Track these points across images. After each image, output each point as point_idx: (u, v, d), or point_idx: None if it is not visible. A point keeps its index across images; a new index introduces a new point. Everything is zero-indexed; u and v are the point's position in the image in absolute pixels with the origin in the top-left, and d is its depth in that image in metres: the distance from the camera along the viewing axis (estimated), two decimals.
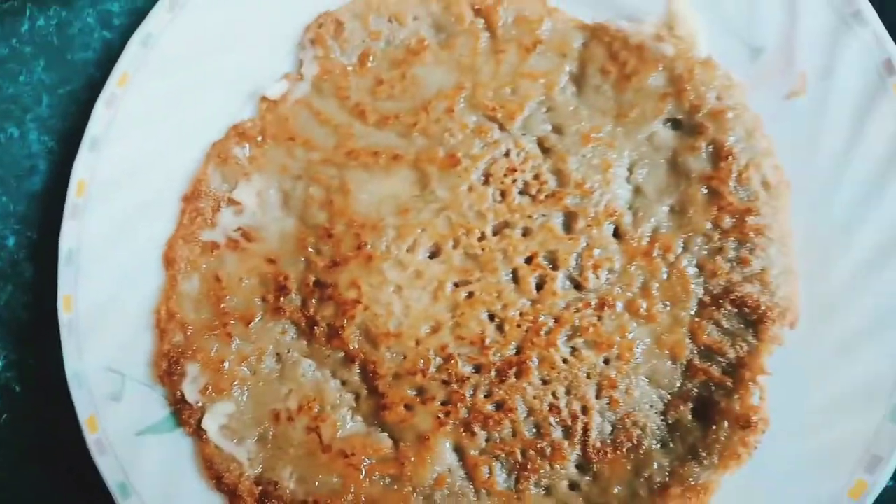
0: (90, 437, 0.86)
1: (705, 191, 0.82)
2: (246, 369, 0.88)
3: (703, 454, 0.77)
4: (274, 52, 0.93)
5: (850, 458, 0.75)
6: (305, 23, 0.93)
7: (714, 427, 0.78)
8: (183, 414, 0.87)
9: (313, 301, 0.87)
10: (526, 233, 0.85)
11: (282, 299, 0.88)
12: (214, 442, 0.86)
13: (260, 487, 0.84)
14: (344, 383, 0.87)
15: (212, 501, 0.85)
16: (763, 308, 0.79)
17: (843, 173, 0.80)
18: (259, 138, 0.91)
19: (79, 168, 0.91)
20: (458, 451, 0.83)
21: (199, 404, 0.87)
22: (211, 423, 0.86)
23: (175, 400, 0.88)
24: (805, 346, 0.79)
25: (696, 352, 0.80)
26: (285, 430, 0.86)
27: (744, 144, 0.82)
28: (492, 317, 0.84)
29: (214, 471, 0.85)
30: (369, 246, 0.87)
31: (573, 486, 0.81)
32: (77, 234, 0.90)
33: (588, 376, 0.82)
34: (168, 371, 0.88)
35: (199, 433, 0.86)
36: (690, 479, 0.77)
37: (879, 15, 0.82)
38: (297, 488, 0.84)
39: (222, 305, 0.89)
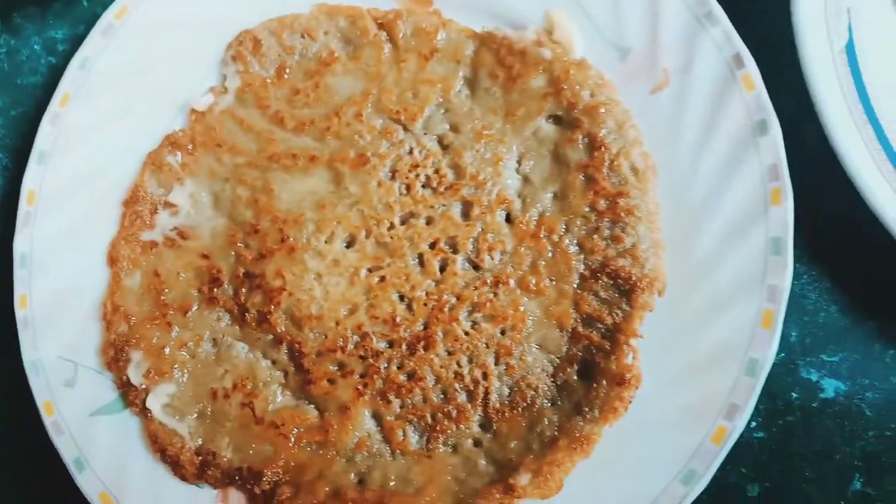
0: (47, 420, 0.89)
1: (583, 178, 0.86)
2: (185, 354, 0.91)
3: (587, 410, 0.81)
4: (200, 69, 0.96)
5: (712, 407, 0.79)
6: (227, 41, 0.96)
7: (595, 385, 0.82)
8: (129, 395, 0.90)
9: (243, 290, 0.91)
10: (429, 221, 0.89)
11: (215, 290, 0.91)
12: (158, 419, 0.89)
13: (200, 457, 0.87)
14: (274, 362, 0.90)
15: (158, 472, 0.88)
16: (634, 279, 0.82)
17: (702, 157, 0.84)
18: (189, 146, 0.94)
19: (28, 180, 0.93)
20: (376, 417, 0.87)
21: (144, 386, 0.89)
22: (154, 403, 0.89)
23: (122, 383, 0.91)
24: (672, 311, 0.83)
25: (579, 320, 0.84)
26: (222, 407, 0.89)
27: (615, 135, 0.86)
28: (402, 297, 0.88)
29: (159, 444, 0.88)
30: (291, 239, 0.90)
31: (476, 443, 0.84)
32: (29, 239, 0.93)
33: (487, 346, 0.85)
34: (114, 358, 0.91)
35: (144, 412, 0.89)
36: (576, 432, 0.81)
37: (728, 15, 0.86)
38: (233, 457, 0.87)
39: (162, 298, 0.92)
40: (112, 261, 0.94)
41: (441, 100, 0.92)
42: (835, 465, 0.87)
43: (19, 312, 0.92)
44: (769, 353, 0.78)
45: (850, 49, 0.87)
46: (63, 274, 0.93)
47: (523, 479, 0.81)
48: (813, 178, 0.89)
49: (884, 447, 0.86)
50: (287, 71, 0.95)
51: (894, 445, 0.86)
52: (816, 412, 0.88)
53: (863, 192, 0.83)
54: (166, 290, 0.92)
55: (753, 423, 0.88)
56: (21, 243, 0.93)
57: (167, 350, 0.91)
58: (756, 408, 0.87)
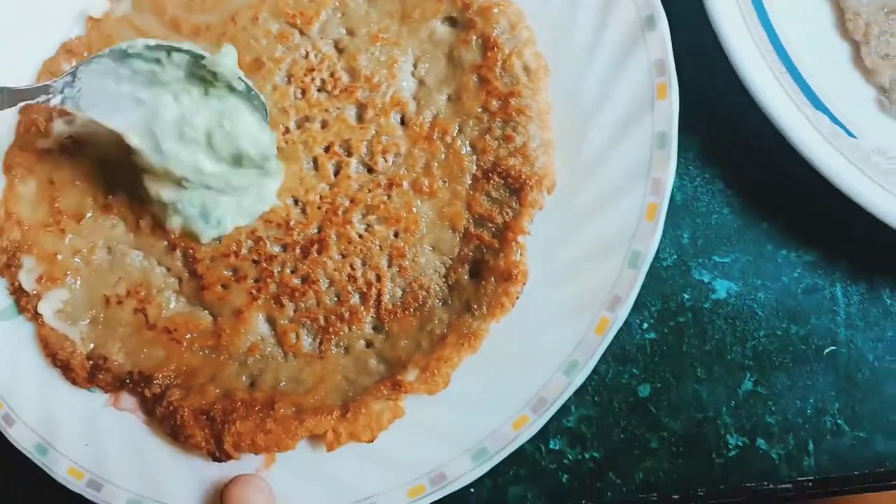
0: None
1: (476, 79, 0.85)
2: (79, 260, 0.89)
3: (475, 307, 0.81)
4: None
5: (596, 300, 0.79)
6: None
7: (483, 283, 0.82)
8: (21, 301, 0.89)
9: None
10: (324, 125, 0.88)
11: (110, 197, 0.90)
12: (50, 325, 0.87)
13: (91, 362, 0.86)
14: (168, 269, 0.89)
15: (49, 376, 0.87)
16: (524, 177, 0.82)
17: (593, 55, 0.84)
18: (86, 54, 0.92)
19: None
20: (270, 321, 0.86)
21: (36, 292, 0.88)
22: (46, 308, 0.87)
23: (14, 289, 0.89)
24: (560, 208, 0.83)
25: (471, 220, 0.84)
26: (115, 313, 0.88)
27: (507, 35, 0.85)
28: (296, 201, 0.87)
29: (50, 349, 0.86)
30: None
31: (368, 343, 0.84)
32: None
33: (380, 248, 0.85)
34: (6, 264, 0.89)
35: (36, 317, 0.88)
36: (464, 329, 0.81)
37: None
38: (124, 361, 0.86)
39: (56, 205, 0.90)
40: (7, 168, 0.91)
41: (337, 3, 0.90)
42: (726, 364, 0.87)
43: None
44: (651, 245, 0.78)
45: None
46: None
47: (411, 375, 0.80)
48: (708, 83, 0.90)
49: (774, 346, 0.87)
50: None
51: (785, 345, 0.87)
52: (708, 313, 0.88)
53: (752, 92, 0.83)
54: (60, 198, 0.91)
55: (645, 325, 0.88)
56: None
57: (60, 257, 0.89)
58: (648, 309, 0.88)
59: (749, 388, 0.86)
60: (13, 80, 0.92)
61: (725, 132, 0.91)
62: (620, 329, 0.79)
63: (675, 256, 0.89)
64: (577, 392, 0.80)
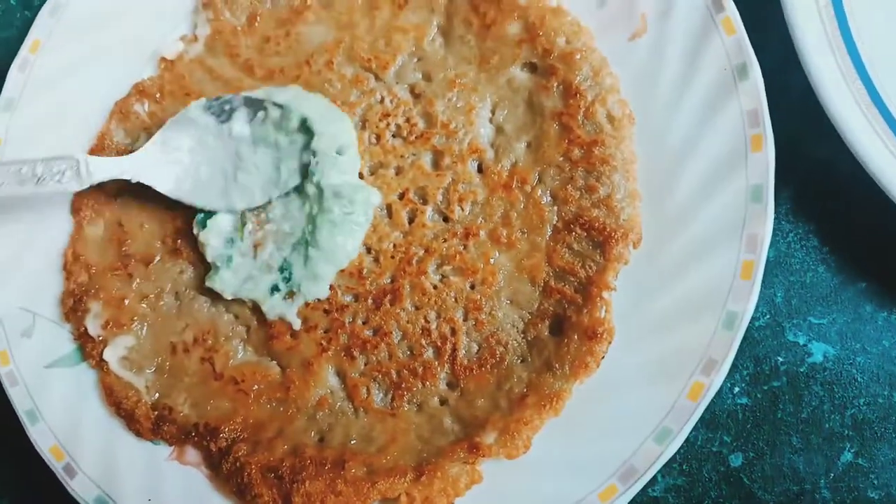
0: (2, 370, 0.86)
1: (557, 126, 0.81)
2: (145, 306, 0.87)
3: (557, 366, 0.76)
4: (171, 17, 0.94)
5: (688, 363, 0.74)
6: None
7: (566, 340, 0.77)
8: (87, 347, 0.86)
9: None
10: (398, 171, 0.85)
11: (179, 241, 0.88)
12: (115, 372, 0.85)
13: (156, 412, 0.83)
14: (236, 317, 0.86)
15: (112, 426, 0.84)
16: (608, 230, 0.78)
17: (680, 104, 0.80)
18: (158, 95, 0.91)
19: None
20: (340, 374, 0.83)
21: (101, 338, 0.86)
22: (111, 355, 0.85)
23: (80, 334, 0.87)
24: (647, 263, 0.78)
25: (551, 274, 0.80)
26: (181, 361, 0.85)
27: (590, 82, 0.81)
28: (368, 249, 0.84)
29: (114, 398, 0.84)
30: None
31: (443, 401, 0.80)
32: None
33: (456, 301, 0.81)
34: (73, 308, 0.87)
35: (101, 364, 0.85)
36: (545, 389, 0.76)
37: None
38: (190, 412, 0.83)
39: (124, 248, 0.88)
40: (75, 210, 0.90)
41: (414, 48, 0.88)
42: (824, 434, 0.81)
43: None
44: (749, 306, 0.73)
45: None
46: (27, 221, 0.90)
47: (489, 437, 0.76)
48: (798, 131, 0.85)
49: (876, 415, 0.81)
50: (258, 19, 0.92)
51: (887, 413, 0.81)
52: (804, 377, 0.83)
53: (849, 142, 0.78)
54: (129, 241, 0.89)
55: (737, 389, 0.83)
56: None
57: (127, 301, 0.87)
58: (740, 373, 0.83)
59: (849, 460, 0.80)
60: (85, 118, 0.92)
61: (819, 184, 0.86)
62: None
63: (767, 316, 0.84)
64: (667, 460, 0.75)
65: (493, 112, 0.85)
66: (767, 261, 0.82)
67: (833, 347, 0.83)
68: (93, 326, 0.86)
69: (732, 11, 0.79)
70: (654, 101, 0.81)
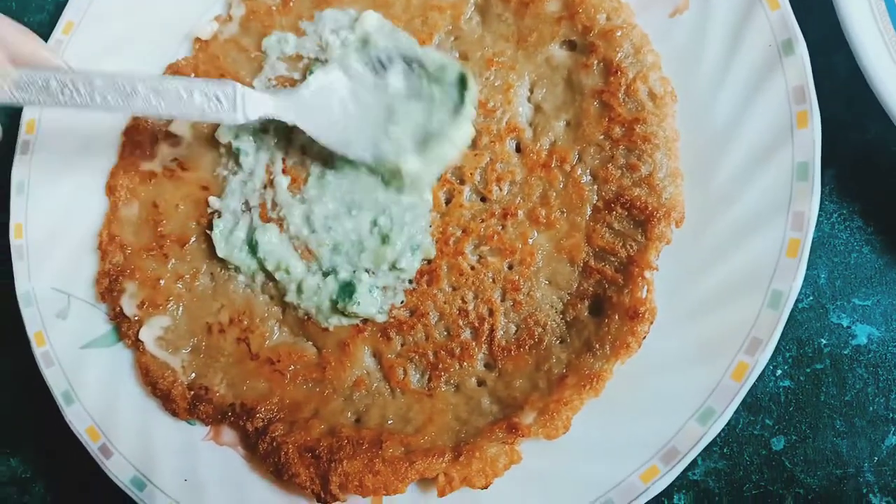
0: (38, 351, 0.85)
1: (597, 105, 0.80)
2: (181, 286, 0.86)
3: (597, 346, 0.75)
4: None
5: (732, 342, 0.72)
6: None
7: (606, 321, 0.76)
8: (122, 327, 0.86)
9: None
10: None
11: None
12: (151, 352, 0.84)
13: (192, 392, 0.83)
14: (271, 298, 0.85)
15: (148, 407, 0.84)
16: (650, 209, 0.76)
17: (724, 81, 0.78)
18: (192, 76, 0.90)
19: (28, 109, 0.91)
20: (376, 355, 0.82)
21: (137, 318, 0.85)
22: (147, 335, 0.85)
23: (115, 315, 0.87)
24: (690, 242, 0.77)
25: (591, 254, 0.78)
26: (217, 341, 0.85)
27: (631, 60, 0.80)
28: None
29: (150, 378, 0.84)
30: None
31: (480, 382, 0.79)
32: (27, 167, 0.89)
33: (493, 281, 0.80)
34: (108, 288, 0.87)
35: (137, 344, 0.85)
36: (585, 370, 0.75)
37: None
38: (226, 392, 0.83)
39: (159, 229, 0.88)
40: (110, 190, 0.90)
41: (451, 27, 0.87)
42: (868, 417, 0.79)
43: (14, 242, 0.89)
44: (795, 285, 0.72)
45: None
46: (60, 203, 0.90)
47: (528, 417, 0.75)
48: (844, 111, 0.83)
49: None
50: None
51: None
52: (848, 360, 0.81)
53: (894, 118, 0.77)
54: (164, 222, 0.88)
55: (779, 372, 0.81)
56: (19, 171, 0.90)
57: (163, 282, 0.87)
58: (782, 355, 0.82)
59: (893, 444, 0.78)
60: None
61: (864, 164, 0.84)
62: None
63: (811, 298, 0.82)
64: (707, 443, 0.73)
65: (531, 91, 0.84)
66: (811, 242, 0.81)
67: (878, 329, 0.81)
68: (128, 307, 0.86)
69: None
70: (696, 78, 0.80)
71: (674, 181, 0.78)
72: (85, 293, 0.88)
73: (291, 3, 0.91)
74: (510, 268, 0.81)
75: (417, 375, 0.81)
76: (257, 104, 0.80)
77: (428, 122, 0.82)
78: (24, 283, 0.88)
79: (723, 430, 0.77)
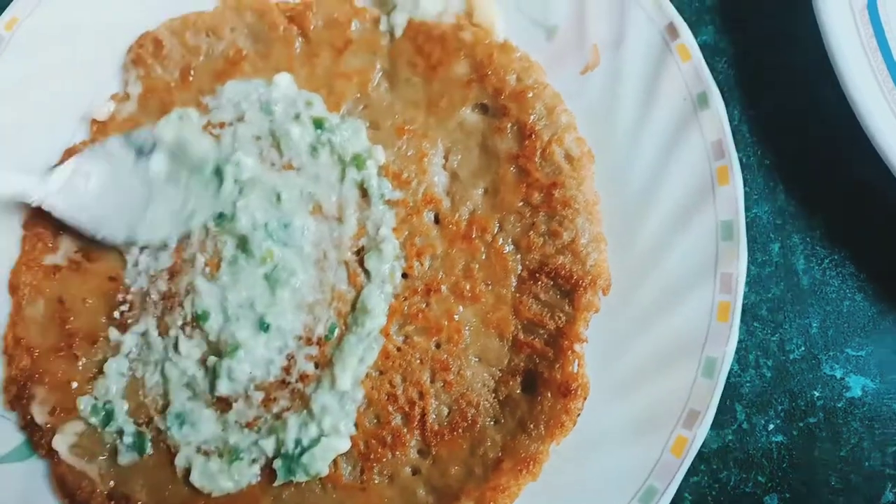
0: None
1: (514, 170, 0.77)
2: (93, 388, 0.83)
3: (531, 426, 0.72)
4: (100, 76, 0.87)
5: (669, 416, 0.70)
6: (128, 44, 0.88)
7: (539, 398, 0.73)
8: (34, 437, 0.80)
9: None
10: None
11: (125, 314, 0.84)
12: (66, 461, 0.79)
13: (112, 502, 0.78)
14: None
15: None
16: (575, 277, 0.73)
17: (640, 138, 0.76)
18: None
19: None
20: None
21: (49, 426, 0.80)
22: (61, 444, 0.79)
23: (26, 423, 0.80)
24: (618, 310, 0.74)
25: (519, 327, 0.75)
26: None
27: (545, 121, 0.77)
28: None
29: (67, 489, 0.78)
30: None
31: (415, 471, 0.75)
32: None
33: (421, 362, 0.76)
34: (17, 395, 0.81)
35: (51, 454, 0.79)
36: (521, 452, 0.72)
37: None
38: (148, 500, 0.78)
39: (67, 327, 0.82)
40: (12, 289, 0.84)
41: (359, 95, 0.83)
42: (864, 473, 0.77)
43: None
44: (728, 350, 0.69)
45: (871, 6, 0.77)
46: None
47: None
48: (832, 152, 0.80)
49: None
50: (192, 73, 0.86)
51: None
52: (842, 413, 0.78)
53: (887, 158, 0.73)
54: (72, 318, 0.83)
55: (771, 426, 0.78)
56: None
57: (75, 385, 0.82)
58: (774, 408, 0.79)
59: (891, 500, 0.76)
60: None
61: (855, 207, 0.81)
62: (744, 431, 0.72)
63: (802, 349, 0.79)
64: (696, 501, 0.72)
65: (446, 158, 0.80)
66: (801, 289, 0.79)
67: (872, 381, 0.79)
68: (39, 414, 0.80)
69: (688, 37, 0.75)
70: (613, 136, 0.77)
71: (597, 247, 0.75)
72: None
73: (191, 78, 0.86)
74: (437, 346, 0.77)
75: (349, 468, 0.77)
76: (3, 186, 0.79)
77: (183, 209, 0.81)
78: None
79: (714, 488, 0.76)
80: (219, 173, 0.80)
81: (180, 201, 0.81)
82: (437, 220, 0.79)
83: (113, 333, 0.82)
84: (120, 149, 0.82)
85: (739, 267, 0.71)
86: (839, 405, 0.78)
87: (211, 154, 0.82)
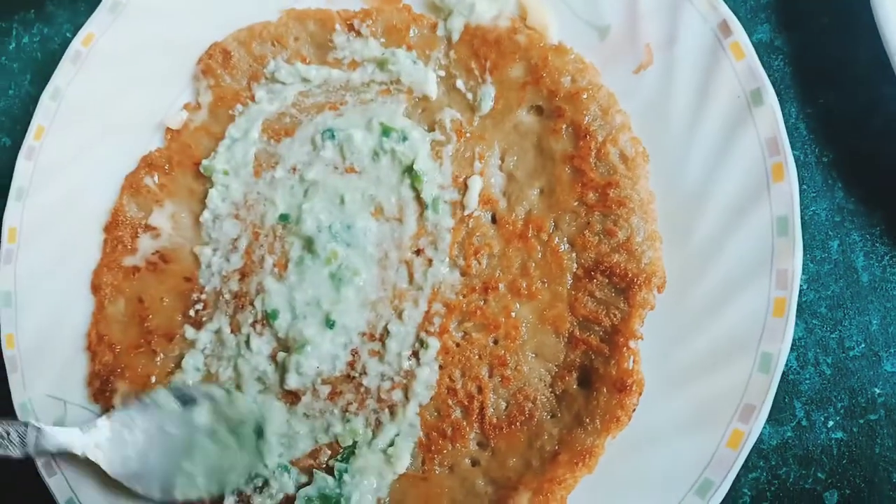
0: (40, 461, 0.85)
1: (569, 170, 0.79)
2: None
3: (587, 420, 0.74)
4: (173, 87, 0.92)
5: (725, 410, 0.71)
6: (197, 56, 0.92)
7: (595, 393, 0.75)
8: None
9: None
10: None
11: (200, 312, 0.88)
12: None
13: None
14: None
15: None
16: (630, 275, 0.75)
17: (695, 137, 0.76)
18: (166, 166, 0.90)
19: (8, 217, 0.90)
20: None
21: None
22: None
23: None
24: (674, 307, 0.75)
25: (575, 324, 0.77)
26: None
27: (600, 122, 0.78)
28: None
29: None
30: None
31: (474, 462, 0.78)
32: (12, 276, 0.89)
33: (480, 357, 0.79)
34: (100, 389, 0.87)
35: None
36: (577, 445, 0.73)
37: None
38: None
39: (146, 324, 0.88)
40: (95, 289, 0.90)
41: (417, 98, 0.86)
42: None
43: (7, 353, 0.88)
44: (784, 346, 0.70)
45: None
46: (48, 308, 0.90)
47: (523, 498, 0.74)
48: (891, 145, 0.80)
49: None
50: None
51: None
52: None
53: None
54: (150, 317, 0.88)
55: (831, 423, 0.78)
56: (4, 282, 0.89)
57: (153, 379, 0.87)
58: (834, 405, 0.79)
59: None
60: (98, 197, 0.92)
61: None
62: (803, 427, 0.72)
63: (863, 346, 0.79)
64: (755, 497, 0.72)
65: (502, 160, 0.83)
66: (862, 286, 0.79)
67: None
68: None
69: (741, 35, 0.75)
70: (666, 135, 0.78)
71: (652, 245, 0.76)
72: (78, 397, 0.88)
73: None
74: (495, 342, 0.79)
75: (410, 458, 0.80)
76: (52, 439, 0.80)
77: (218, 465, 0.81)
78: (20, 393, 0.87)
79: (774, 484, 0.77)
80: (259, 432, 0.81)
81: (217, 457, 0.82)
82: (494, 220, 0.82)
83: (189, 331, 0.86)
84: (166, 399, 0.83)
85: (795, 263, 0.71)
86: None
87: (253, 412, 0.82)
